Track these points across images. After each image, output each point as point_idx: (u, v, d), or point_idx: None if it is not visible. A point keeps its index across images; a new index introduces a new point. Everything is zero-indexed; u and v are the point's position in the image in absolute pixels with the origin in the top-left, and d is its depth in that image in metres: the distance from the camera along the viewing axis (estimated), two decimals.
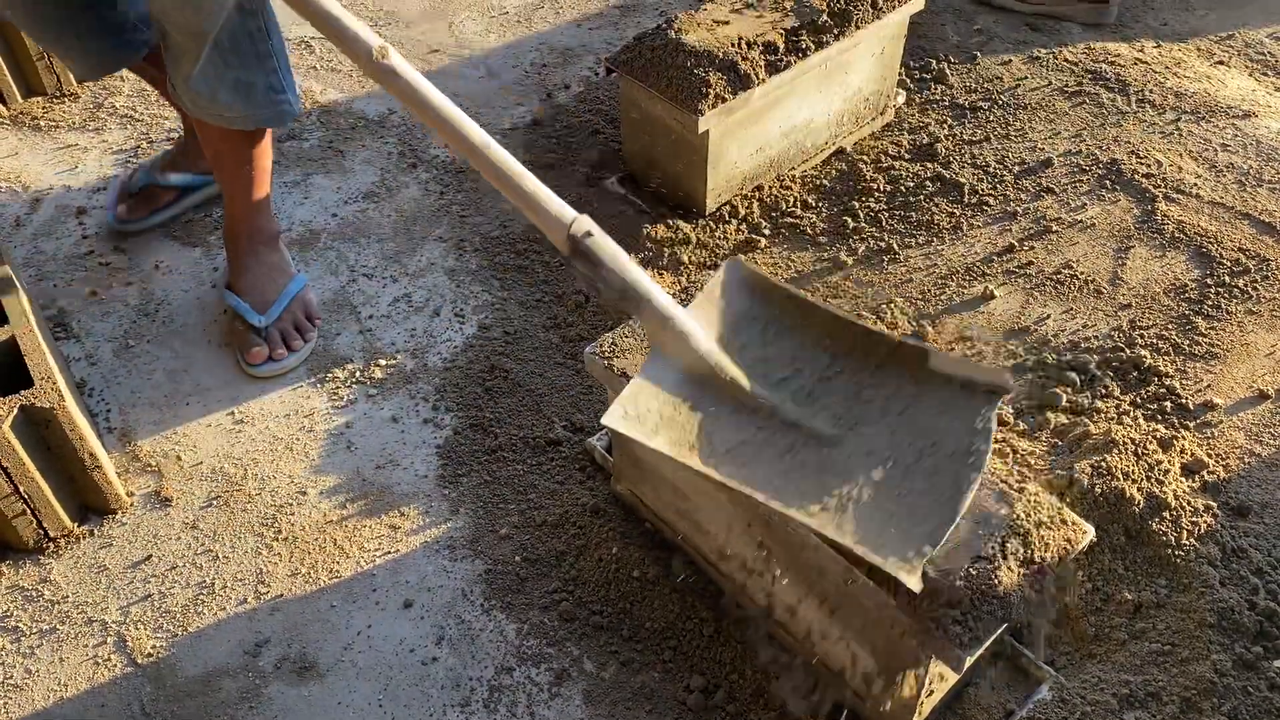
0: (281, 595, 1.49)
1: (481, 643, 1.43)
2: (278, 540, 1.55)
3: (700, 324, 1.29)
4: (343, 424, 1.71)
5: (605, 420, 1.21)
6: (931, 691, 1.27)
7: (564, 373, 1.77)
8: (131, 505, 1.60)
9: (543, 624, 1.44)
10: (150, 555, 1.54)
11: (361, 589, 1.49)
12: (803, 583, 1.30)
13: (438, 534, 1.55)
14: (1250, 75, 2.41)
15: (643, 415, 1.24)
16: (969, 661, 1.11)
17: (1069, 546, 1.17)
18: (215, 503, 1.60)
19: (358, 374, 1.78)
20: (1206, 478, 1.55)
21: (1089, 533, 1.20)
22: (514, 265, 1.96)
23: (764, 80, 1.88)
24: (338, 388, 1.76)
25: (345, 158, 2.19)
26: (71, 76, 1.76)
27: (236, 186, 1.74)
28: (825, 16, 1.96)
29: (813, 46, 1.93)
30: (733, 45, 1.88)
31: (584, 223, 1.24)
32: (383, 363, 1.80)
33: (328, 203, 2.10)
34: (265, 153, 1.73)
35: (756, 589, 1.39)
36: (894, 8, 2.03)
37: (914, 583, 1.08)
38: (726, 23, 1.96)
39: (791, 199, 2.07)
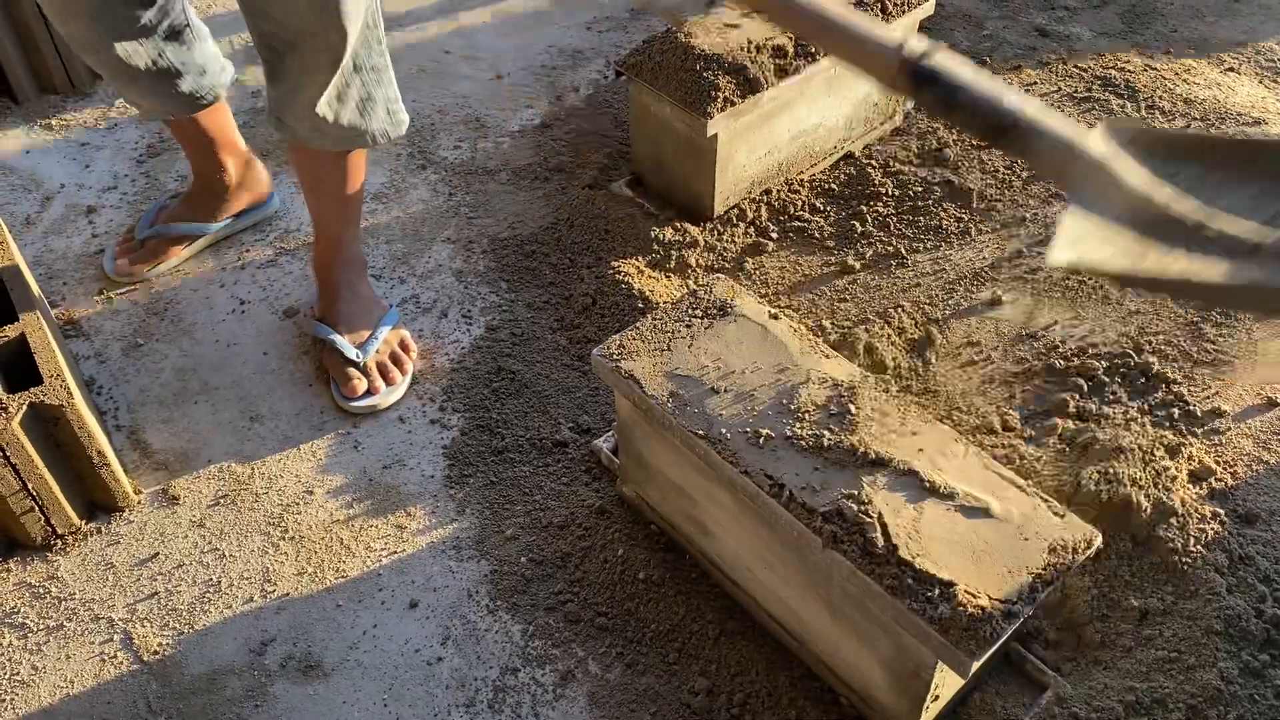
0: (288, 594, 1.49)
1: (487, 643, 1.43)
2: (284, 539, 1.56)
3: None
4: (350, 424, 1.71)
5: (1052, 259, 0.91)
6: (937, 697, 1.27)
7: (571, 375, 1.77)
8: (139, 503, 1.60)
9: (548, 625, 1.45)
10: (157, 553, 1.54)
11: (367, 588, 1.50)
12: (808, 586, 1.30)
13: (444, 534, 1.56)
14: (1261, 83, 2.40)
15: (1095, 246, 0.94)
16: (975, 667, 1.11)
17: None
18: (222, 501, 1.61)
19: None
20: (1214, 485, 1.55)
21: (1096, 539, 1.19)
22: (522, 267, 1.96)
23: (773, 84, 1.88)
24: None
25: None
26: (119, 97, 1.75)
27: (332, 214, 1.71)
28: None
29: (822, 51, 1.94)
30: (742, 49, 1.89)
31: (915, 43, 0.92)
32: None
33: None
34: (361, 172, 1.69)
35: (761, 591, 1.39)
36: (904, 13, 2.03)
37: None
38: (736, 26, 1.96)
39: (799, 203, 2.07)
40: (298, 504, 1.60)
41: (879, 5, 2.00)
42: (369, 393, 1.71)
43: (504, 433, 1.68)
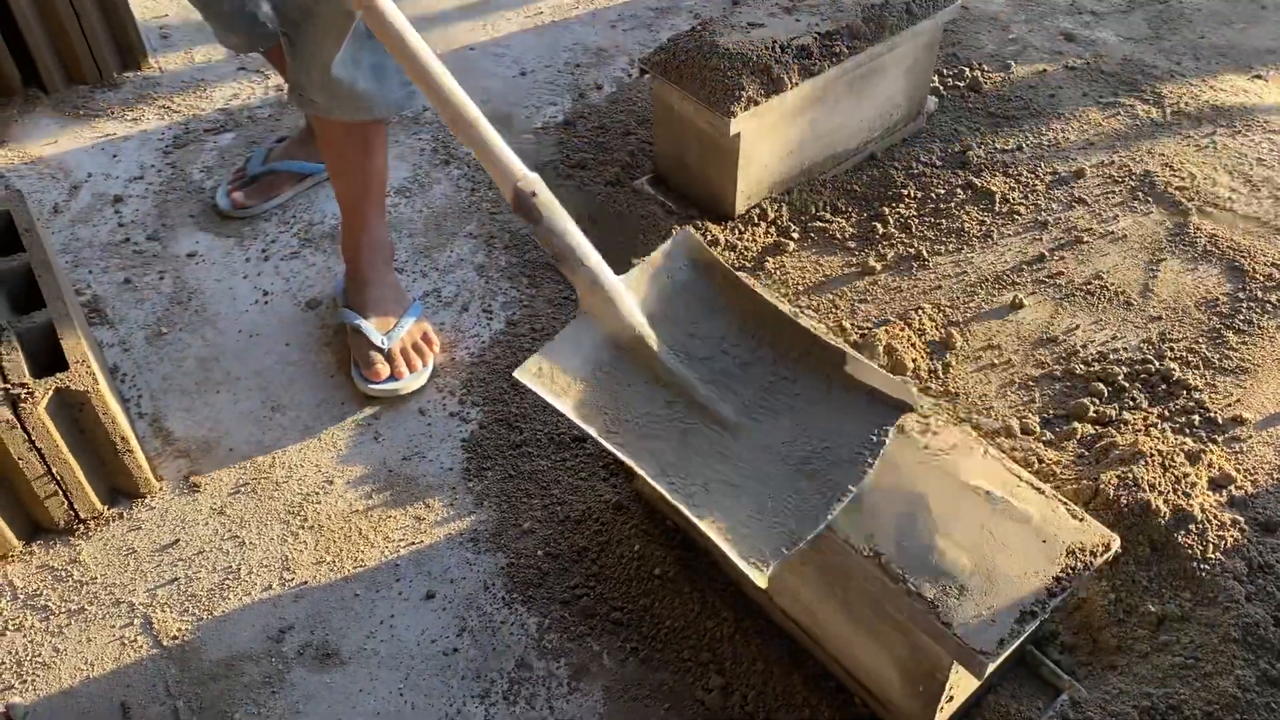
0: (306, 582, 1.50)
1: (502, 635, 1.44)
2: (304, 528, 1.57)
3: (635, 291, 1.34)
4: (370, 415, 1.72)
5: (517, 374, 1.28)
6: (951, 698, 1.27)
7: None
8: (161, 490, 1.62)
9: (563, 619, 1.45)
10: (178, 539, 1.55)
11: (385, 578, 1.51)
12: (825, 585, 1.30)
13: (462, 526, 1.56)
14: None
15: (556, 374, 1.30)
16: (991, 668, 1.11)
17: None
18: (243, 490, 1.62)
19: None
20: (1234, 492, 1.54)
21: (1115, 542, 1.19)
22: (543, 263, 1.97)
23: (797, 84, 1.88)
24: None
25: None
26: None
27: (356, 193, 1.74)
28: (860, 22, 1.96)
29: (846, 51, 1.94)
30: (766, 48, 1.89)
31: (532, 180, 1.28)
32: None
33: None
34: (383, 151, 1.72)
35: (776, 590, 1.39)
36: (929, 15, 2.03)
37: (760, 580, 1.14)
38: (761, 25, 1.96)
39: (821, 203, 2.07)
40: (318, 493, 1.61)
41: (905, 8, 2.00)
42: (391, 378, 1.73)
43: (523, 427, 1.69)
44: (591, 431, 1.25)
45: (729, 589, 1.45)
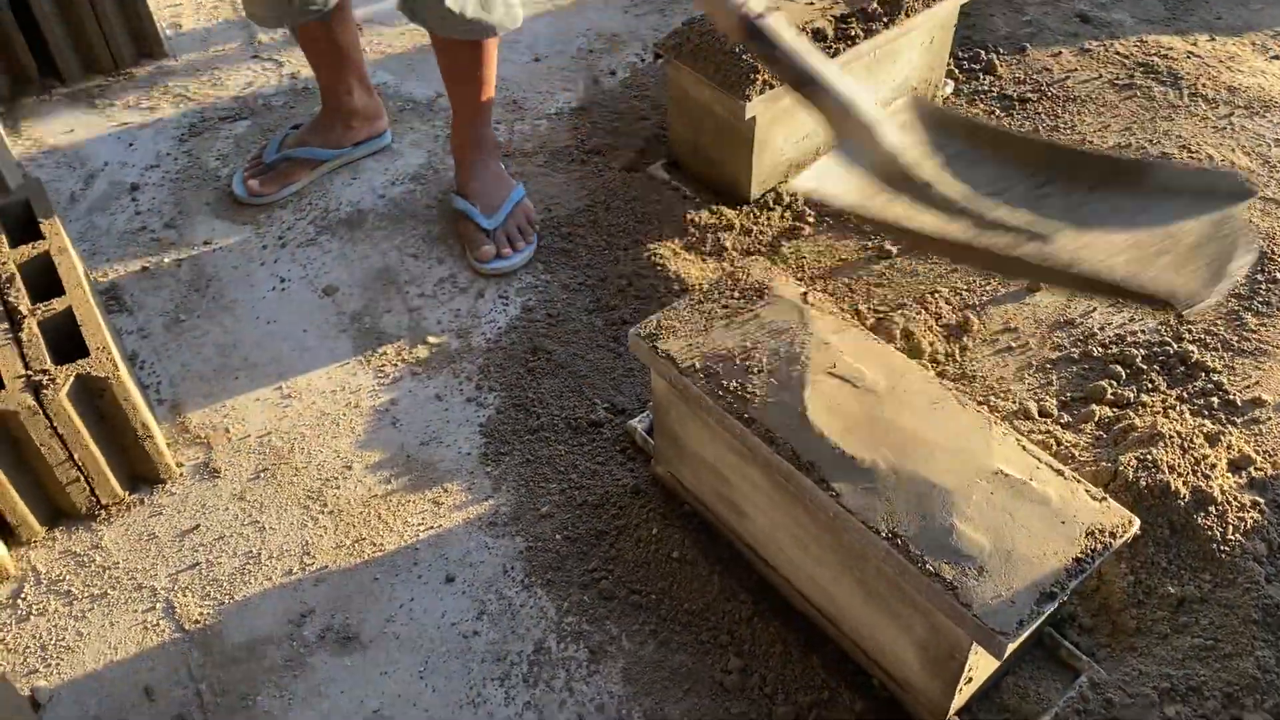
0: (326, 567, 1.51)
1: (522, 618, 1.45)
2: (323, 513, 1.58)
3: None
4: (388, 401, 1.73)
5: (795, 185, 1.17)
6: (970, 679, 1.27)
7: (606, 355, 1.78)
8: (181, 475, 1.63)
9: (582, 601, 1.46)
10: (199, 525, 1.57)
11: (404, 563, 1.51)
12: (842, 566, 1.30)
13: (480, 511, 1.57)
14: None
15: (834, 182, 1.17)
16: (1011, 649, 1.11)
17: None
18: (263, 475, 1.63)
19: (404, 352, 1.80)
20: (1254, 474, 1.53)
21: (1134, 523, 1.19)
22: (559, 249, 1.97)
23: None
24: (384, 365, 1.78)
25: (394, 139, 2.21)
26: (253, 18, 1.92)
27: (467, 97, 1.90)
28: (875, 4, 1.95)
29: (862, 34, 1.93)
30: None
31: (756, 4, 1.15)
32: (430, 340, 1.82)
33: (375, 184, 2.12)
34: (492, 63, 1.87)
35: (794, 572, 1.40)
36: None
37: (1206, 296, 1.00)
38: (776, 9, 1.95)
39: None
40: (336, 479, 1.62)
41: None
42: (498, 257, 1.90)
43: (539, 412, 1.69)
44: (900, 215, 1.10)
45: (747, 572, 1.46)
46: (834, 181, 1.14)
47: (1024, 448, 1.26)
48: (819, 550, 1.33)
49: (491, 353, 1.79)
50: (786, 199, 2.03)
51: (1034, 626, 1.12)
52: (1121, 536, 1.17)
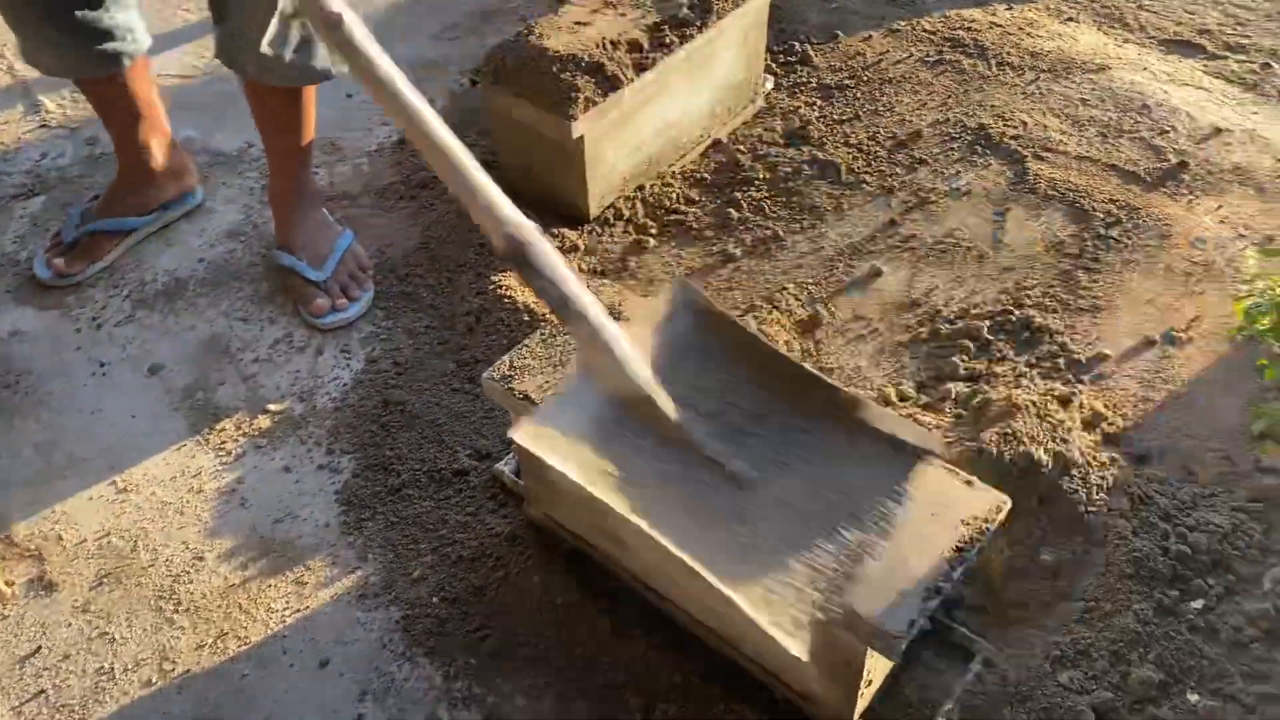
0: (189, 670, 1.40)
1: (408, 693, 1.37)
2: (178, 612, 1.46)
3: (636, 345, 1.25)
4: (233, 480, 1.62)
5: (512, 434, 1.19)
6: (870, 682, 1.26)
7: (462, 399, 1.71)
8: (13, 595, 1.49)
9: (469, 664, 1.39)
10: (40, 647, 1.43)
11: (273, 653, 1.42)
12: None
13: (348, 584, 1.48)
14: (1099, 30, 2.48)
15: (555, 435, 1.20)
16: (903, 645, 1.10)
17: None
18: (106, 581, 1.50)
19: (244, 425, 1.69)
20: (1106, 430, 1.58)
21: (1006, 504, 1.20)
22: (397, 292, 1.89)
23: (632, 79, 1.85)
24: (224, 442, 1.67)
25: (206, 197, 2.09)
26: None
27: (285, 146, 1.81)
28: (686, 9, 1.94)
29: (677, 40, 1.91)
30: (597, 46, 1.85)
31: (525, 227, 1.19)
32: (271, 408, 1.71)
33: (191, 248, 1.99)
34: (312, 109, 1.78)
35: (685, 599, 1.36)
36: None
37: (797, 649, 1.09)
38: (587, 24, 1.92)
39: (674, 195, 2.05)
40: (188, 573, 1.51)
41: None
42: (334, 310, 1.80)
43: (399, 469, 1.61)
44: (600, 495, 1.16)
45: (638, 606, 1.42)
46: (557, 433, 1.21)
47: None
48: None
49: (339, 413, 1.70)
50: (627, 213, 2.00)
51: (923, 618, 1.12)
52: (995, 520, 1.18)
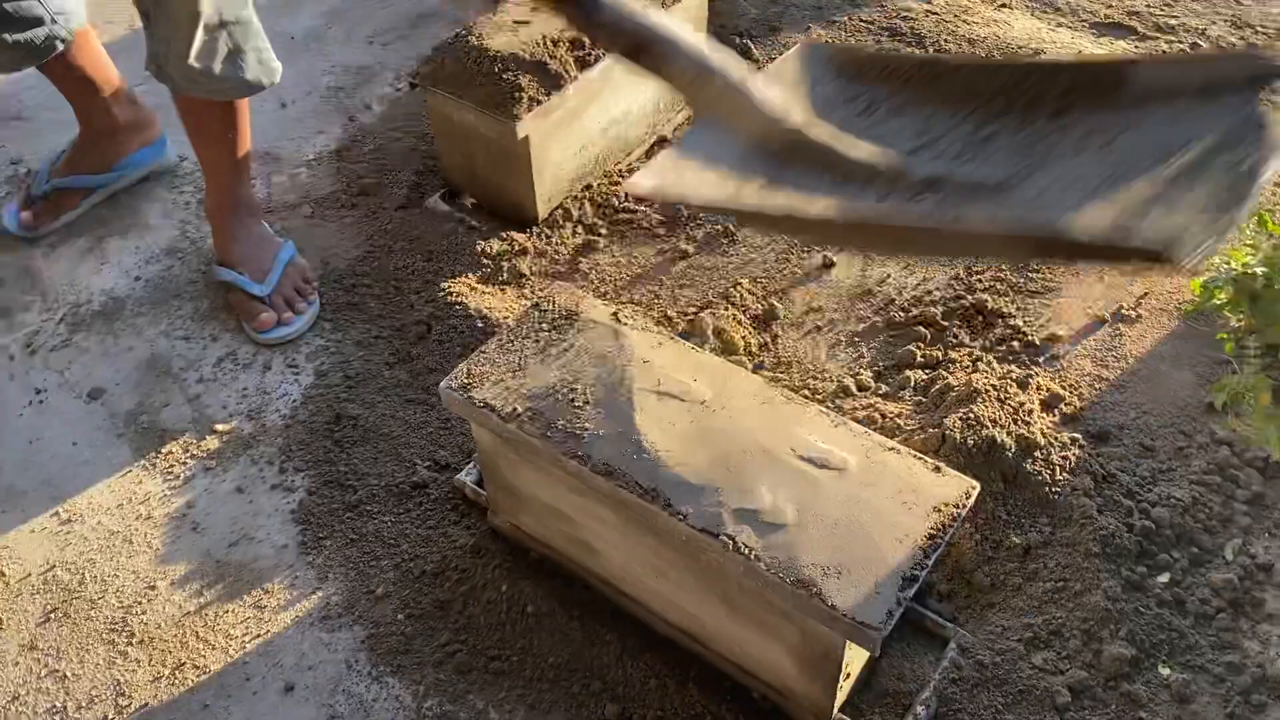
0: (147, 705, 1.35)
1: (377, 713, 1.33)
2: (132, 645, 1.41)
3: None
4: (183, 504, 1.56)
5: (626, 186, 0.98)
6: (849, 675, 1.25)
7: (417, 410, 1.67)
8: None
9: (439, 681, 1.36)
10: None
11: (234, 680, 1.37)
12: (704, 588, 1.26)
13: (309, 606, 1.44)
14: (1033, 15, 2.50)
15: (685, 176, 0.94)
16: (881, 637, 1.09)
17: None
18: (53, 616, 1.44)
19: (192, 447, 1.64)
20: (1065, 410, 1.59)
21: (975, 488, 1.20)
22: (345, 303, 1.85)
23: (576, 77, 1.82)
24: (172, 466, 1.61)
25: (140, 214, 2.02)
26: None
27: (221, 159, 1.76)
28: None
29: None
30: (539, 44, 1.82)
31: None
32: (219, 429, 1.66)
33: (127, 266, 1.93)
34: (245, 120, 1.74)
35: (657, 602, 1.34)
36: None
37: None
38: (527, 22, 1.89)
39: (623, 194, 2.02)
40: (140, 603, 1.45)
41: None
42: (280, 324, 1.76)
43: (355, 485, 1.57)
44: (775, 202, 0.86)
45: (609, 611, 1.39)
46: (685, 175, 0.92)
47: (856, 432, 1.25)
48: (678, 575, 1.28)
49: (290, 430, 1.65)
50: (575, 213, 1.97)
51: (900, 612, 1.11)
52: (965, 505, 1.18)
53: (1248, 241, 1.34)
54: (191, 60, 1.56)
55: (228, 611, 1.44)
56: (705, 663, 1.34)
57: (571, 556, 1.41)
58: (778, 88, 0.96)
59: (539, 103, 1.77)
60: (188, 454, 1.63)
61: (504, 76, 1.77)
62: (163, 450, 1.63)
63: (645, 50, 0.90)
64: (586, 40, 1.86)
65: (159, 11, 1.55)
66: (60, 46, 1.74)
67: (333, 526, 1.52)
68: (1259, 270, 1.28)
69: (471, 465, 1.55)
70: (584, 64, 1.84)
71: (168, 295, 1.87)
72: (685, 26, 0.90)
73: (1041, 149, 0.90)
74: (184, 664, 1.39)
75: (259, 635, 1.41)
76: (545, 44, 1.83)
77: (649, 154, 2.11)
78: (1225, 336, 1.53)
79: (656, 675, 1.34)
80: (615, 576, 1.38)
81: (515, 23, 1.89)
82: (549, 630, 1.38)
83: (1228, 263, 1.34)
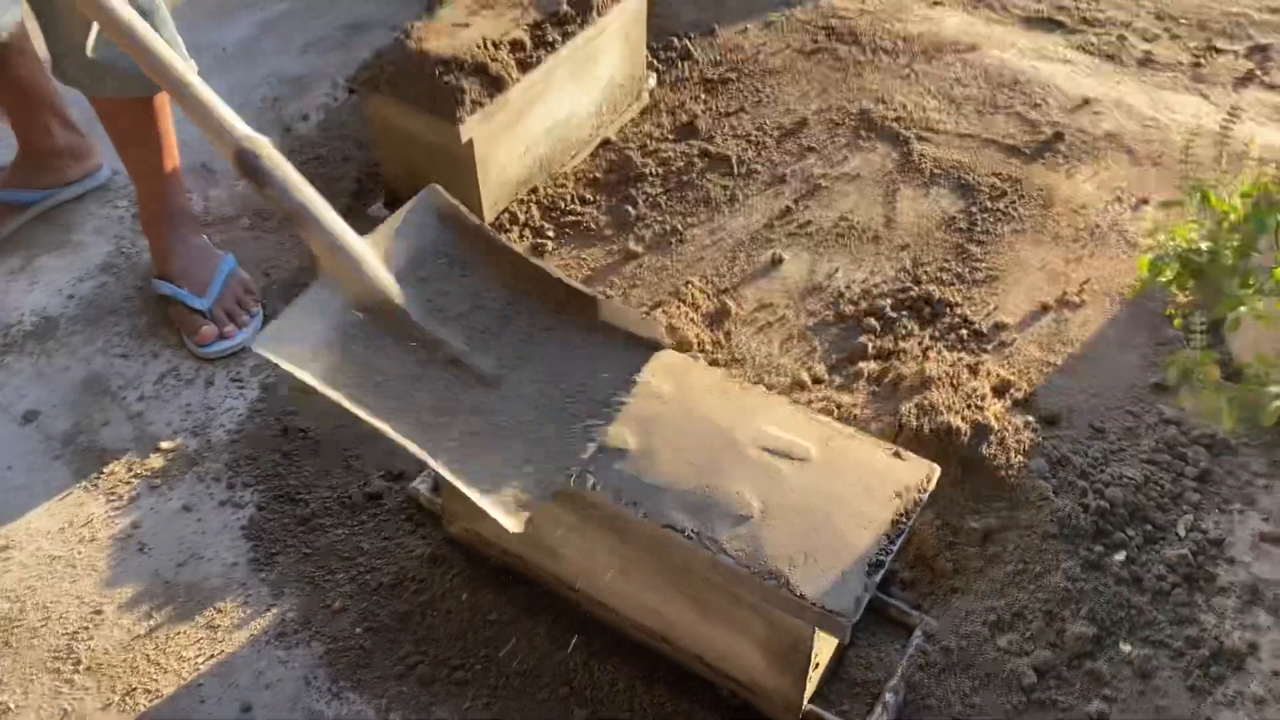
0: None
1: None
2: (79, 672, 1.36)
3: (378, 251, 1.28)
4: (129, 525, 1.52)
5: (255, 347, 1.22)
6: (817, 665, 1.25)
7: None
8: None
9: (402, 694, 1.33)
10: None
11: (189, 704, 1.33)
12: (670, 585, 1.25)
13: (263, 624, 1.40)
14: (965, 11, 2.54)
15: (298, 343, 1.23)
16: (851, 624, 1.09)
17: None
18: None
19: (135, 466, 1.59)
20: (1015, 395, 1.61)
21: (936, 471, 1.20)
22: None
23: (518, 79, 1.81)
24: (115, 486, 1.56)
25: (72, 230, 1.96)
26: None
27: (147, 167, 1.72)
28: (566, 6, 1.91)
29: (559, 38, 1.88)
30: (479, 47, 1.80)
31: (257, 140, 1.23)
32: (163, 446, 1.61)
33: (59, 284, 1.87)
34: (167, 121, 1.69)
35: (622, 603, 1.33)
36: None
37: (515, 526, 1.13)
38: (466, 25, 1.87)
39: (569, 196, 2.01)
40: (86, 628, 1.40)
41: None
42: (222, 338, 1.72)
43: (307, 498, 1.54)
44: (338, 398, 1.18)
45: (574, 615, 1.37)
46: (299, 349, 1.22)
47: (815, 420, 1.25)
48: (643, 573, 1.27)
49: (237, 445, 1.61)
50: (522, 216, 1.95)
51: (868, 598, 1.11)
52: (927, 489, 1.18)
53: (1192, 219, 1.37)
54: (89, 53, 1.50)
55: (179, 633, 1.40)
56: (674, 663, 1.33)
57: (534, 561, 1.39)
58: (391, 242, 1.31)
59: (482, 105, 1.76)
60: (131, 473, 1.58)
61: (445, 80, 1.75)
62: (104, 470, 1.58)
63: (296, 219, 1.23)
64: (527, 44, 1.85)
65: (49, 6, 1.52)
66: None
67: (285, 541, 1.48)
68: (1204, 246, 1.31)
69: (426, 473, 1.52)
70: (526, 66, 1.83)
71: (103, 312, 1.82)
72: (327, 205, 1.25)
73: (529, 347, 1.30)
74: (135, 689, 1.34)
75: (213, 656, 1.37)
76: (486, 46, 1.81)
77: (594, 156, 2.10)
78: (1173, 312, 1.55)
79: (624, 678, 1.32)
80: (580, 580, 1.36)
81: (454, 26, 1.87)
82: (513, 637, 1.36)
83: (1173, 239, 1.37)
